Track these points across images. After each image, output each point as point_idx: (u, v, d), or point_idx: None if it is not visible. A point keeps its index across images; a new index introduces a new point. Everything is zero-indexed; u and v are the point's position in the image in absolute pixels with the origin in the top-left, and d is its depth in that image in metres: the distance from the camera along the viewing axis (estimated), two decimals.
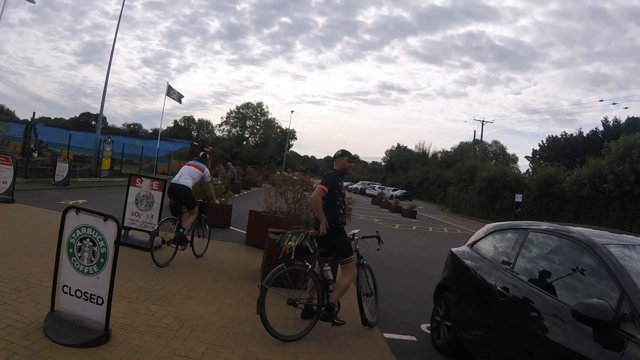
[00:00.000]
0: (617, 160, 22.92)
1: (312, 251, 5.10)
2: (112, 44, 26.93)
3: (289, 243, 5.06)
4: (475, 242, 5.21)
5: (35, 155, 22.08)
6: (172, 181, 7.73)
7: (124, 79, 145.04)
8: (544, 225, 4.22)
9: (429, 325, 5.66)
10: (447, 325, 4.97)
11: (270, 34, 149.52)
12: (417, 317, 6.33)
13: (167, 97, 35.93)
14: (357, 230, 5.94)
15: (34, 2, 17.65)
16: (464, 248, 5.36)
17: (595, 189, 24.43)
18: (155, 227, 8.06)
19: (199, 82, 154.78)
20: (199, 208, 7.98)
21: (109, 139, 26.98)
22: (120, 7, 26.92)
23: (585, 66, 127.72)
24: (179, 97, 38.32)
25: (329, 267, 5.25)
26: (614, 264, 3.07)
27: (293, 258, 4.99)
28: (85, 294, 3.98)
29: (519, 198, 30.76)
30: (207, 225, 8.55)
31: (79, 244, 4.02)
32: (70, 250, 4.06)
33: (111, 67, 26.70)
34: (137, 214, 8.76)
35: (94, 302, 3.95)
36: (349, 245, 5.30)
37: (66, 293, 4.07)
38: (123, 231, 8.37)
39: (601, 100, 67.50)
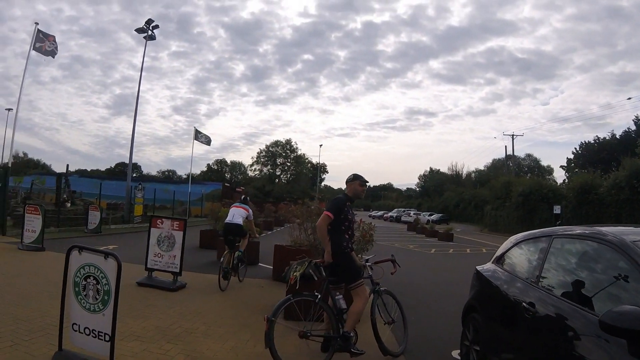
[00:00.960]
0: None
1: (316, 279, 4.87)
2: (142, 94, 27.75)
3: (294, 274, 4.87)
4: (500, 257, 4.85)
5: (69, 205, 22.56)
6: (227, 221, 9.53)
7: (156, 128, 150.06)
8: (572, 229, 3.82)
9: (459, 351, 5.27)
10: (475, 349, 4.56)
11: (294, 72, 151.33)
12: (448, 343, 5.94)
13: (195, 141, 36.55)
14: (371, 256, 5.75)
15: (53, 57, 18.00)
16: (489, 265, 4.99)
17: (634, 190, 23.41)
18: (177, 267, 8.56)
19: (229, 125, 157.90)
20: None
21: (140, 186, 27.43)
22: (141, 60, 27.66)
23: (610, 67, 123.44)
24: (207, 141, 38.87)
25: (341, 295, 4.99)
26: None
27: (299, 288, 4.80)
28: (94, 332, 3.95)
29: (557, 209, 29.87)
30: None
31: (84, 282, 4.02)
32: (77, 289, 4.05)
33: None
34: (159, 255, 8.67)
35: (101, 339, 3.90)
36: (357, 270, 5.06)
37: (76, 331, 4.05)
38: (147, 272, 8.69)
39: (629, 98, 65.35)
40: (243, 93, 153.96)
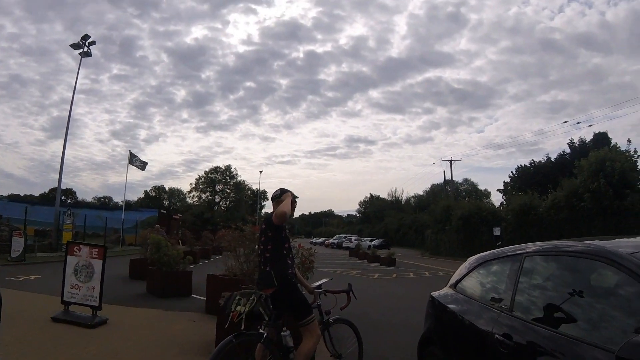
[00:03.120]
0: (591, 177, 22.69)
1: (267, 318, 3.99)
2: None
3: (238, 308, 3.95)
4: (458, 281, 4.27)
5: None
6: None
7: (93, 153, 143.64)
8: (540, 245, 3.32)
9: None
10: None
11: (236, 99, 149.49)
12: None
13: (131, 165, 35.17)
14: (324, 280, 4.98)
15: None
16: (446, 290, 4.41)
17: (573, 209, 24.15)
18: (97, 300, 7.43)
19: (168, 151, 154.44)
20: None
21: (69, 211, 25.75)
22: (76, 78, 26.31)
23: (542, 96, 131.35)
24: (142, 165, 37.62)
25: (288, 332, 4.21)
26: None
27: (244, 328, 3.87)
28: None
29: (497, 231, 30.46)
30: None
31: None
32: None
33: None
34: (77, 287, 7.62)
35: None
36: (305, 302, 4.30)
37: None
38: (63, 306, 7.62)
39: (565, 122, 69.36)
40: (184, 119, 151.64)
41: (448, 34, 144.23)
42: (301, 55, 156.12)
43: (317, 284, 4.85)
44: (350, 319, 5.11)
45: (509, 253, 3.63)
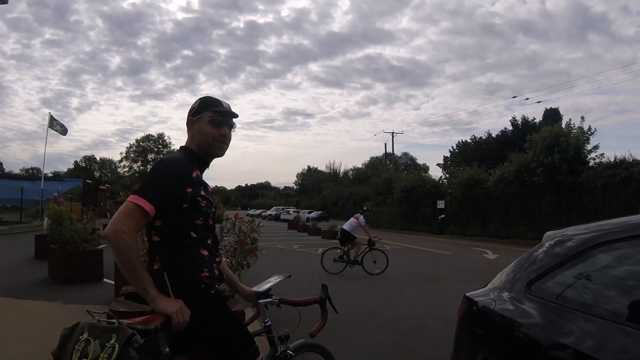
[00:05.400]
0: (545, 151, 22.07)
1: None
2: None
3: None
4: (536, 279, 2.34)
5: None
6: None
7: (23, 122, 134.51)
8: None
9: None
10: None
11: (172, 67, 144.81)
12: None
13: (50, 129, 32.00)
14: (275, 279, 2.77)
15: None
16: (509, 294, 2.44)
17: (523, 184, 23.56)
18: None
19: (102, 120, 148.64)
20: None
21: None
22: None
23: (479, 78, 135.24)
24: (63, 130, 34.44)
25: None
26: None
27: None
28: None
29: (441, 204, 29.95)
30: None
31: None
32: None
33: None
34: None
35: None
36: (241, 333, 2.26)
37: None
38: None
39: (514, 96, 70.68)
40: (118, 87, 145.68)
41: (390, 11, 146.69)
42: (242, 25, 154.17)
43: (263, 287, 2.67)
44: (322, 344, 3.02)
45: None
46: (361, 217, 12.32)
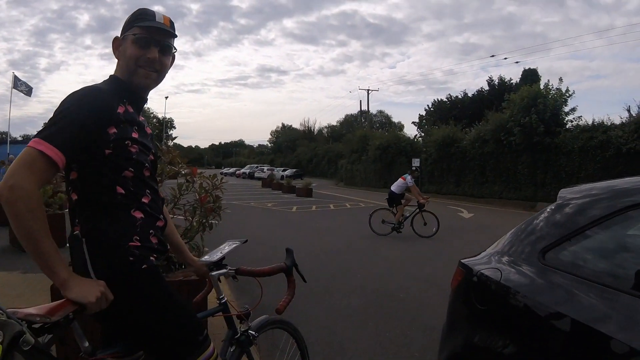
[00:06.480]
0: (522, 111, 21.74)
1: None
2: None
3: None
4: (550, 246, 1.92)
5: None
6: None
7: None
8: None
9: None
10: None
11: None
12: None
13: (15, 89, 30.51)
14: (230, 245, 2.28)
15: None
16: (517, 267, 2.02)
17: (499, 143, 23.32)
18: None
19: (71, 80, 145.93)
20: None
21: None
22: None
23: (455, 37, 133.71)
24: (28, 90, 32.77)
25: None
26: None
27: None
28: None
29: (416, 162, 29.42)
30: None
31: None
32: None
33: None
34: None
35: None
36: (184, 319, 1.73)
37: None
38: None
39: (492, 55, 69.96)
40: (87, 45, 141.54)
41: None
42: None
43: (215, 256, 2.18)
44: (287, 319, 2.54)
45: None
46: (409, 178, 11.70)
